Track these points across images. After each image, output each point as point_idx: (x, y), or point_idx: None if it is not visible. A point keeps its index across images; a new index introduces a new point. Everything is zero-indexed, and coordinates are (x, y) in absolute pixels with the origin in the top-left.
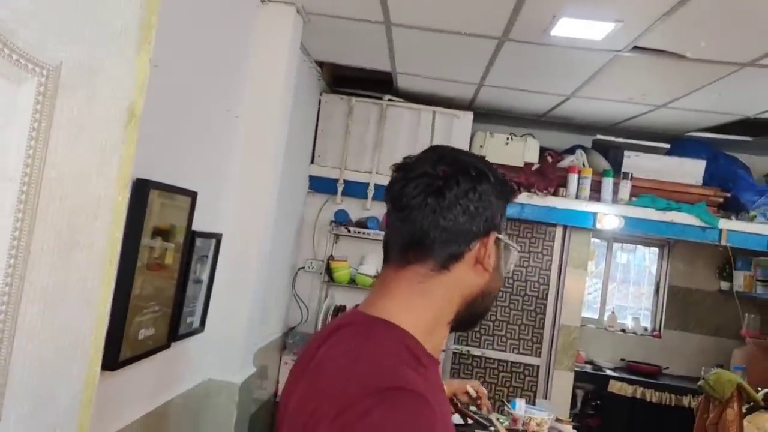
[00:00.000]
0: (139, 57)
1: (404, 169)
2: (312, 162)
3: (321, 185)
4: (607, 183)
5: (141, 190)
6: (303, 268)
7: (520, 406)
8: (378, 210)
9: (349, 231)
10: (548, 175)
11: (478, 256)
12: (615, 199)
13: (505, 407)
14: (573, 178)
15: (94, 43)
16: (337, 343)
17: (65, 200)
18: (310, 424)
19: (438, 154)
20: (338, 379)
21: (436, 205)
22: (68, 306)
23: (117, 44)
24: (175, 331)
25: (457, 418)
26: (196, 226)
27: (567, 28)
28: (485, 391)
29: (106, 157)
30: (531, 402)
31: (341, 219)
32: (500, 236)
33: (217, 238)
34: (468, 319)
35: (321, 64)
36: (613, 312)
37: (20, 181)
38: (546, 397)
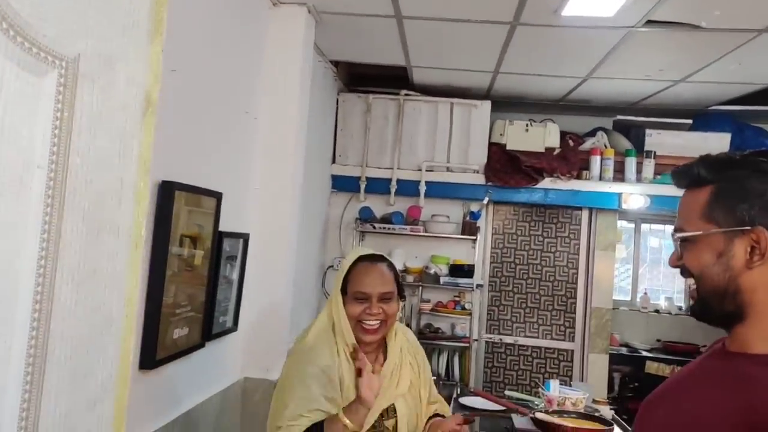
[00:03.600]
0: (152, 47)
1: None
2: (333, 161)
3: (344, 184)
4: (630, 162)
5: (167, 192)
6: (332, 266)
7: (554, 387)
8: (401, 205)
9: (374, 227)
10: (570, 159)
11: None
12: (639, 178)
13: (540, 389)
14: (595, 160)
15: (108, 37)
16: None
17: (90, 185)
18: None
19: None
20: None
21: None
22: (98, 286)
23: (130, 37)
24: (209, 330)
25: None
26: (223, 226)
27: (578, 6)
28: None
29: (126, 143)
30: (567, 386)
31: (366, 216)
32: None
33: (245, 238)
34: None
35: (336, 63)
36: (645, 293)
37: (48, 168)
38: (582, 381)
